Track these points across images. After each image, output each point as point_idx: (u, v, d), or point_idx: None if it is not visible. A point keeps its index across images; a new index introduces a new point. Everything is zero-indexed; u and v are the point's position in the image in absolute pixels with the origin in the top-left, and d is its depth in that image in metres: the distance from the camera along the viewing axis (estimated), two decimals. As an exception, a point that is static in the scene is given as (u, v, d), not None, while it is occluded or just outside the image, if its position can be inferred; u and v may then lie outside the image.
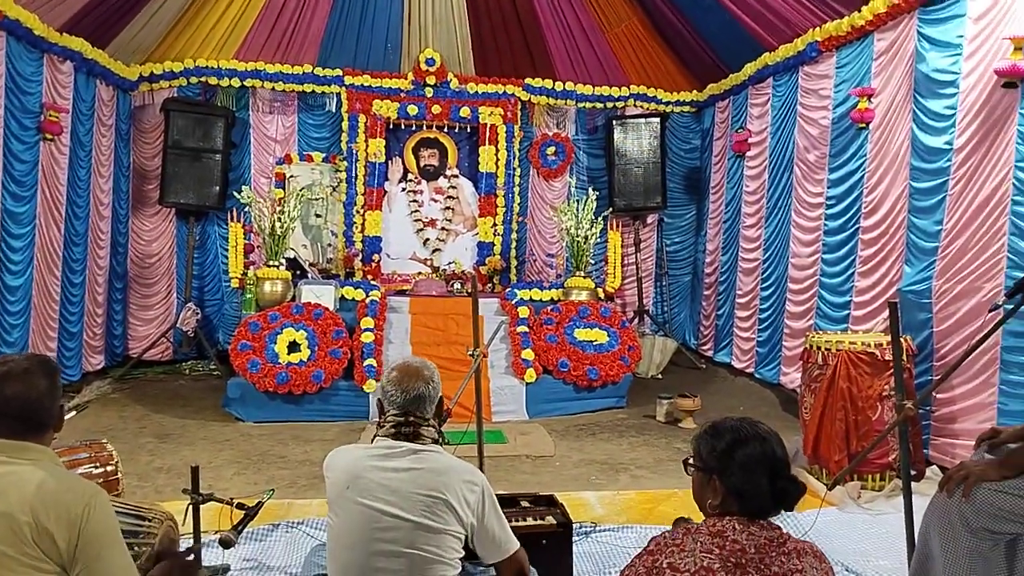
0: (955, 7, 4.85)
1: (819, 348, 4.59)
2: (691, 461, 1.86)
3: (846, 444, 4.36)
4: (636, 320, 8.76)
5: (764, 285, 7.29)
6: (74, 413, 3.83)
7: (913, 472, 4.22)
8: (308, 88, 8.41)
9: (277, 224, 7.03)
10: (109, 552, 1.75)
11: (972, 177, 4.64)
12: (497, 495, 2.38)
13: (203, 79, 8.15)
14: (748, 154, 7.67)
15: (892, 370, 4.13)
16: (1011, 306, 2.63)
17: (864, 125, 5.74)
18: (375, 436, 2.33)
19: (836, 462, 4.36)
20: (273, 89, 8.37)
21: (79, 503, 1.74)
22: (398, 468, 2.19)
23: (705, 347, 8.69)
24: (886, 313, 3.61)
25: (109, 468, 3.80)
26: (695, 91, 8.97)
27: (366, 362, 6.38)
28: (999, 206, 4.43)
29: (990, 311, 2.68)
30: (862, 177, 5.79)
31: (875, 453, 4.21)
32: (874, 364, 4.36)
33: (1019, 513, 2.35)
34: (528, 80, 8.75)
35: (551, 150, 9.04)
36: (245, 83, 8.25)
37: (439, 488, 2.16)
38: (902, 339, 4.39)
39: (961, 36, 4.78)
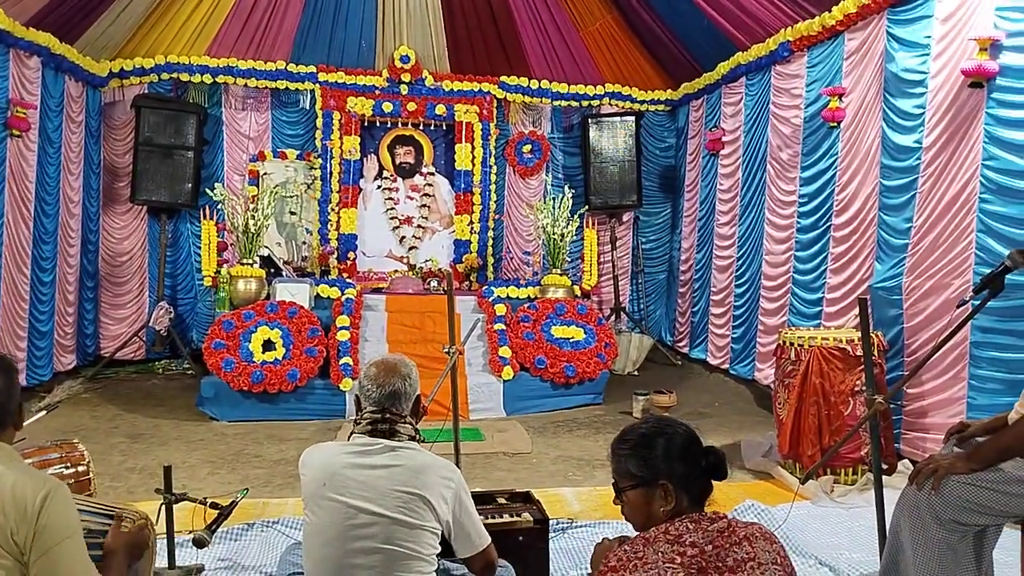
0: (923, 8, 4.92)
1: (792, 344, 4.65)
2: (622, 485, 1.84)
3: (819, 439, 4.42)
4: (612, 317, 8.80)
5: (738, 282, 7.36)
6: (44, 413, 3.77)
7: (885, 466, 4.30)
8: (282, 85, 8.33)
9: (251, 222, 6.97)
10: (65, 545, 1.73)
11: (941, 175, 4.72)
12: (474, 492, 2.39)
13: (174, 75, 8.05)
14: (722, 152, 7.74)
15: (863, 365, 4.20)
16: (978, 302, 2.68)
17: (835, 124, 5.82)
18: (352, 433, 2.32)
19: (810, 457, 4.41)
20: (246, 86, 8.29)
21: (36, 495, 1.73)
22: (375, 465, 2.19)
23: (681, 344, 8.76)
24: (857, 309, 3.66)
25: (80, 468, 3.75)
26: (669, 90, 9.03)
27: (342, 360, 6.35)
28: (967, 204, 4.51)
29: (958, 307, 2.72)
30: (834, 175, 5.86)
31: (847, 447, 4.27)
32: (846, 360, 4.41)
33: (987, 505, 2.40)
34: (504, 78, 8.75)
35: (527, 148, 9.05)
36: (217, 79, 8.16)
37: (416, 485, 2.16)
38: (873, 335, 4.48)
39: (929, 36, 4.86)
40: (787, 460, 4.66)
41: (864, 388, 4.23)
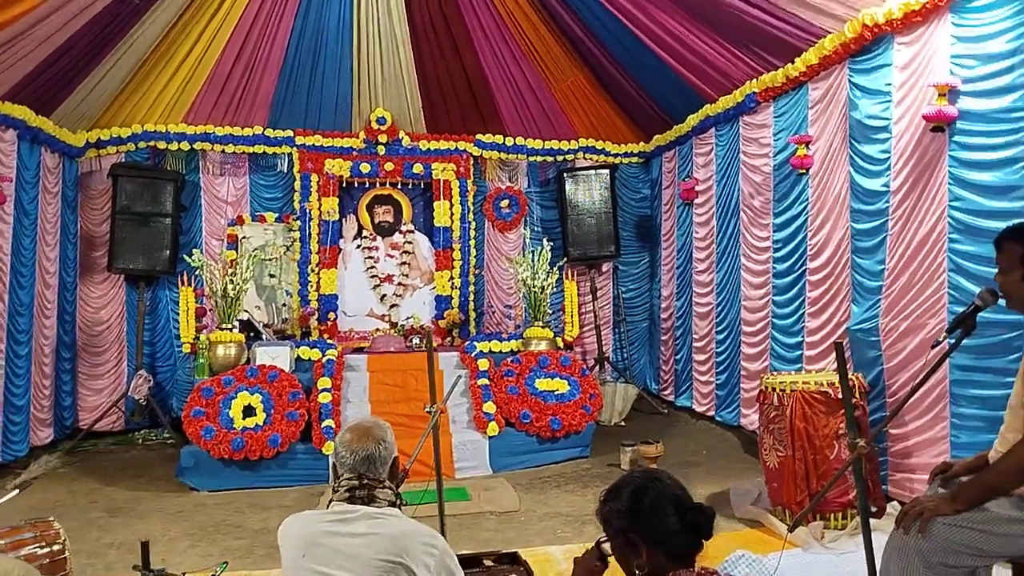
0: (882, 57, 5.08)
1: (774, 390, 4.65)
2: (604, 541, 1.83)
3: (807, 484, 4.40)
4: (596, 368, 8.78)
5: (719, 328, 7.39)
6: (16, 492, 3.68)
7: (874, 509, 4.29)
8: (259, 149, 8.41)
9: (230, 286, 6.94)
10: None
11: (910, 217, 4.81)
12: (460, 555, 2.35)
13: (151, 143, 8.11)
14: (696, 201, 7.86)
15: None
16: (952, 341, 2.71)
17: (804, 171, 5.94)
18: (330, 501, 2.29)
19: (798, 503, 4.38)
20: (223, 151, 8.35)
21: None
22: (355, 533, 2.15)
23: (666, 392, 8.74)
24: (836, 352, 3.68)
25: (56, 547, 3.65)
26: (642, 142, 9.21)
27: (324, 423, 6.27)
28: (937, 244, 4.59)
29: (932, 347, 2.75)
30: (805, 220, 5.96)
31: (835, 492, 4.25)
32: (828, 403, 4.42)
33: (974, 546, 2.39)
34: (479, 136, 8.89)
35: (505, 203, 9.15)
36: (195, 146, 8.22)
37: (398, 553, 2.12)
38: (854, 377, 4.50)
39: (890, 84, 5.01)
40: (776, 507, 4.63)
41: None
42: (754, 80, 6.49)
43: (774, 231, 6.42)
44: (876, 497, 4.47)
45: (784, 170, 6.25)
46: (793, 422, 4.43)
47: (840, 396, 4.33)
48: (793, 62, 5.89)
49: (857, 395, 4.47)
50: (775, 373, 5.55)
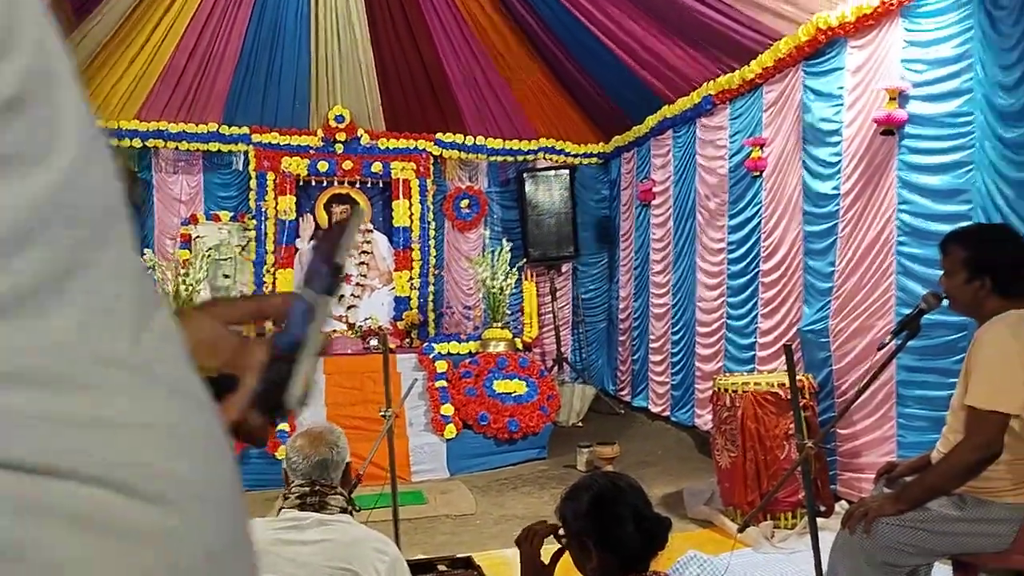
0: (835, 60, 5.18)
1: (727, 390, 4.71)
2: (561, 532, 1.85)
3: (757, 484, 4.46)
4: (555, 368, 8.81)
5: (674, 329, 7.47)
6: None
7: (823, 508, 4.36)
8: (214, 147, 8.25)
9: (182, 287, 6.83)
10: None
11: (859, 220, 4.91)
12: (412, 561, 2.33)
13: (102, 140, 7.90)
14: (653, 203, 7.92)
15: (797, 408, 4.28)
16: (899, 342, 2.77)
17: (758, 173, 6.03)
18: (280, 508, 2.25)
19: (749, 503, 4.44)
20: (177, 149, 8.19)
21: None
22: (306, 541, 2.12)
23: (623, 392, 8.80)
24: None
25: None
26: (601, 143, 9.25)
27: (278, 427, 6.18)
28: (886, 246, 4.69)
29: (879, 349, 2.81)
30: (759, 222, 6.05)
31: (785, 491, 4.31)
32: (779, 404, 4.49)
33: (917, 545, 2.45)
34: (439, 135, 8.84)
35: (465, 203, 9.12)
36: (147, 143, 8.04)
37: (349, 559, 2.09)
38: (803, 378, 4.57)
39: (842, 88, 5.10)
40: (728, 507, 4.69)
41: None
42: (711, 82, 6.56)
43: (729, 232, 6.50)
44: (824, 497, 4.55)
45: (739, 172, 6.33)
46: (744, 422, 4.50)
47: (790, 397, 4.41)
48: (749, 64, 5.97)
49: (807, 396, 4.55)
50: (728, 374, 5.62)
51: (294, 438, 2.33)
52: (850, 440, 4.86)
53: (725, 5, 5.66)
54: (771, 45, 5.69)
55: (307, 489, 2.22)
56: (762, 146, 5.97)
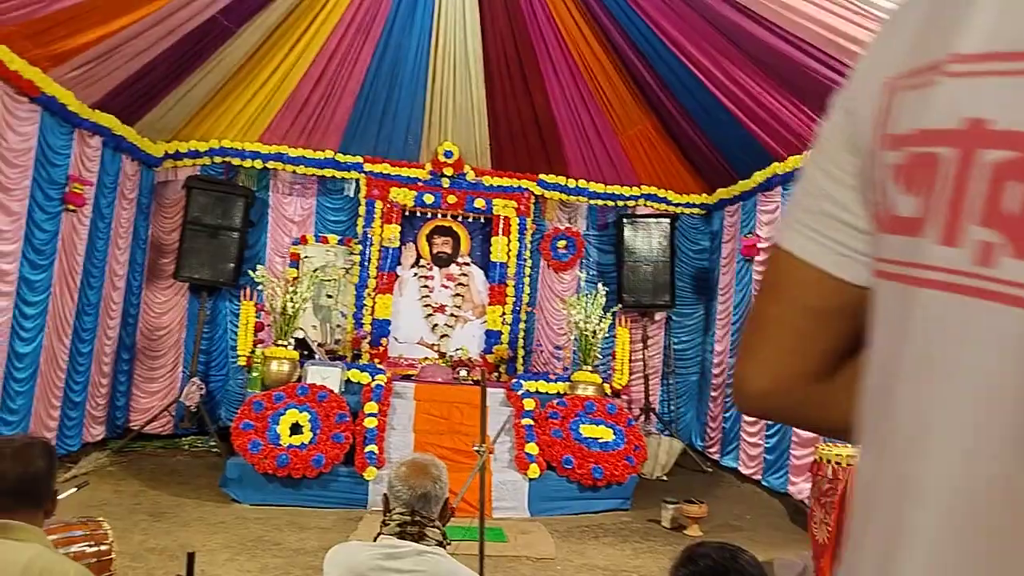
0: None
1: (829, 461, 4.52)
2: None
3: (856, 562, 4.24)
4: (642, 418, 8.67)
5: (772, 390, 7.22)
6: (74, 490, 3.77)
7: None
8: (328, 173, 8.62)
9: (289, 304, 7.08)
10: None
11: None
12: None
13: (226, 159, 8.38)
14: (757, 259, 7.76)
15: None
16: None
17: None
18: (379, 534, 2.29)
19: (846, 581, 4.22)
20: (294, 172, 8.59)
21: None
22: (401, 570, 2.14)
23: (712, 450, 8.57)
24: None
25: (103, 548, 3.71)
26: (704, 194, 9.16)
27: (367, 448, 6.30)
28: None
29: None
30: (871, 288, 5.82)
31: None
32: (885, 480, 4.27)
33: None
34: (542, 176, 8.97)
35: (562, 244, 9.18)
36: (267, 165, 8.47)
37: (442, 593, 2.11)
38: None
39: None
40: (822, 583, 4.47)
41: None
42: (826, 143, 6.42)
43: (837, 296, 6.28)
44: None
45: (852, 235, 6.13)
46: (847, 497, 4.29)
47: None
48: (869, 128, 5.81)
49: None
50: (830, 444, 5.38)
51: (399, 466, 2.36)
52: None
53: (844, 66, 5.55)
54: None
55: (408, 519, 2.24)
56: (879, 210, 5.77)
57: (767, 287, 0.71)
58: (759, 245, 7.73)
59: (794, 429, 6.69)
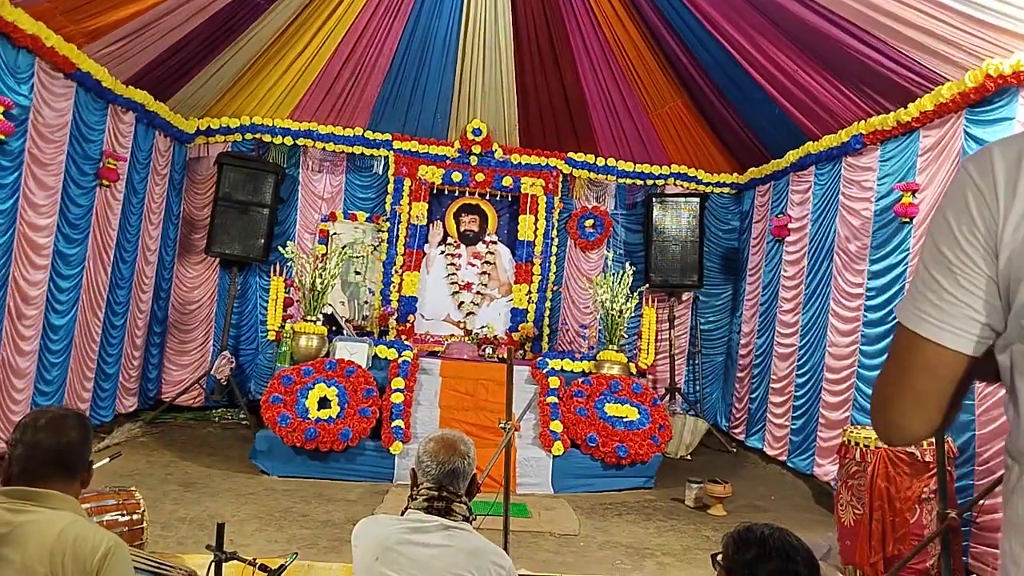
0: (1004, 110, 4.87)
1: (857, 444, 4.49)
2: (719, 559, 1.84)
3: (882, 546, 4.23)
4: (667, 398, 8.66)
5: (800, 372, 7.18)
6: (108, 461, 3.85)
7: (953, 581, 4.07)
8: (358, 150, 8.65)
9: (318, 280, 7.14)
10: None
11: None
12: (521, 576, 2.34)
13: (257, 136, 8.43)
14: (788, 239, 7.67)
15: (932, 471, 4.02)
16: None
17: (908, 219, 5.73)
18: (407, 508, 2.32)
19: (871, 564, 4.21)
20: (324, 149, 8.63)
21: (96, 554, 1.77)
22: (428, 544, 2.18)
23: (737, 430, 8.54)
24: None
25: (135, 517, 3.82)
26: (735, 173, 9.06)
27: (394, 423, 6.37)
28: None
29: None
30: (904, 271, 5.74)
31: (913, 559, 4.06)
32: (914, 465, 4.24)
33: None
34: (571, 154, 8.91)
35: (589, 223, 9.14)
36: (297, 142, 8.52)
37: (469, 568, 2.14)
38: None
39: (1010, 138, 4.78)
40: (848, 566, 4.46)
41: (931, 496, 4.06)
42: (862, 122, 6.31)
43: (869, 278, 6.21)
44: (956, 569, 4.25)
45: (886, 216, 6.04)
46: (874, 480, 4.27)
47: (927, 459, 4.16)
48: (906, 107, 5.70)
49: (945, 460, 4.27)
50: (858, 427, 5.35)
51: (427, 441, 2.39)
52: (991, 512, 4.52)
53: (885, 45, 5.43)
54: (930, 88, 5.42)
55: (435, 493, 2.27)
56: (914, 192, 5.67)
57: (909, 366, 1.04)
58: (789, 226, 7.63)
59: (822, 411, 6.64)
